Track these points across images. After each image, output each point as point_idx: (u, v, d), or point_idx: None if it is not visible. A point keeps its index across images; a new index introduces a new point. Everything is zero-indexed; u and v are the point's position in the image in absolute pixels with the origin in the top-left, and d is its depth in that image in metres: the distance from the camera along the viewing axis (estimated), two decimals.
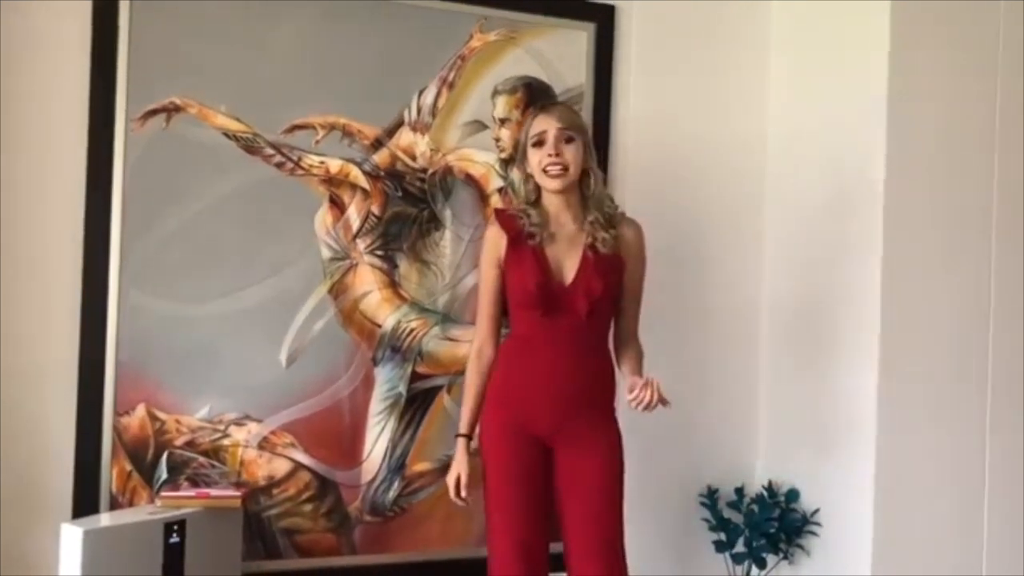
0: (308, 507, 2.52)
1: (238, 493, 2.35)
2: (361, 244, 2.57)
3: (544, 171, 2.24)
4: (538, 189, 2.31)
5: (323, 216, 2.54)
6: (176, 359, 2.41)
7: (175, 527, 2.20)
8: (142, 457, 2.39)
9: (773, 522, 2.73)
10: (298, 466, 2.51)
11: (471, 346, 2.36)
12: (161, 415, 2.40)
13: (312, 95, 2.52)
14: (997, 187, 2.69)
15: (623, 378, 2.29)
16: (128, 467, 2.38)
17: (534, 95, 2.70)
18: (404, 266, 2.61)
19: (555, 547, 2.24)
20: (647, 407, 2.09)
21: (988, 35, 2.68)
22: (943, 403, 2.64)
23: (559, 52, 2.74)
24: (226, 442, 2.45)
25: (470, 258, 2.63)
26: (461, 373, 2.48)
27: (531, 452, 2.23)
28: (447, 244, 2.65)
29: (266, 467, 2.49)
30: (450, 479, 2.31)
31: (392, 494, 2.60)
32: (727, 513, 2.82)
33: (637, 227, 2.35)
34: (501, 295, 2.32)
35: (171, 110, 2.40)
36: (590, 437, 2.23)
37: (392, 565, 2.59)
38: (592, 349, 2.27)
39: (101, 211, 2.35)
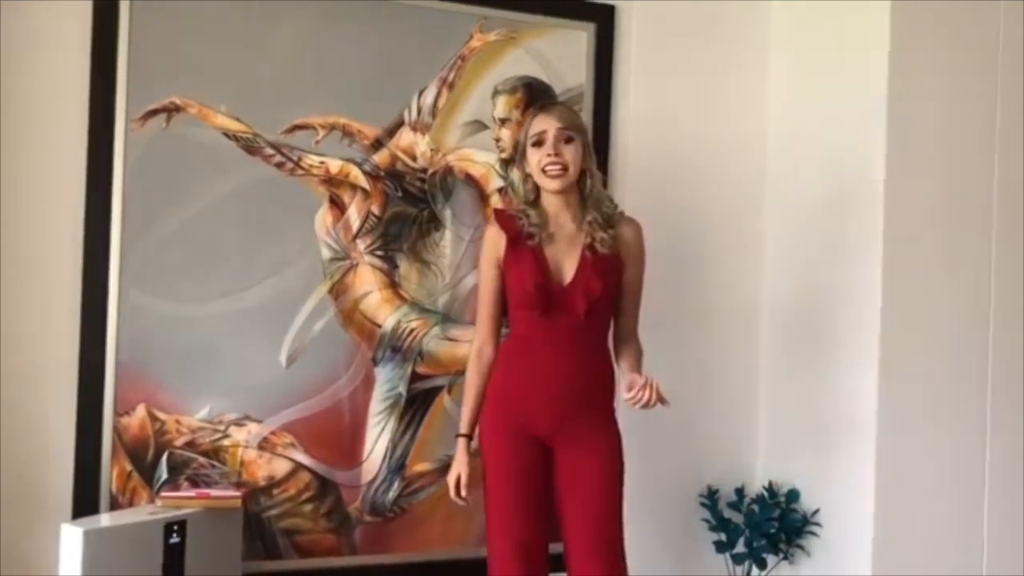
0: (308, 507, 2.52)
1: (238, 493, 2.35)
2: (361, 244, 2.57)
3: (543, 171, 2.24)
4: (537, 189, 2.31)
5: (323, 216, 2.54)
6: (176, 359, 2.41)
7: (175, 527, 2.20)
8: (142, 457, 2.39)
9: (773, 522, 2.73)
10: (298, 466, 2.51)
11: (471, 346, 2.36)
12: (161, 415, 2.40)
13: (312, 95, 2.52)
14: (997, 187, 2.69)
15: (622, 376, 2.29)
16: (128, 467, 2.38)
17: (534, 95, 2.70)
18: (404, 266, 2.61)
19: (555, 547, 2.24)
20: (645, 406, 2.09)
21: (988, 35, 2.68)
22: (943, 403, 2.63)
23: (559, 52, 2.74)
24: (226, 442, 2.45)
25: (470, 258, 2.63)
26: (461, 373, 2.48)
27: (531, 452, 2.23)
28: (447, 244, 2.65)
29: (266, 467, 2.49)
30: (450, 479, 2.31)
31: (392, 494, 2.60)
32: (727, 513, 2.82)
33: (636, 226, 2.35)
34: (501, 295, 2.32)
35: (171, 110, 2.40)
36: (590, 437, 2.23)
37: (392, 565, 2.59)
38: (591, 349, 2.27)
39: (101, 211, 2.35)
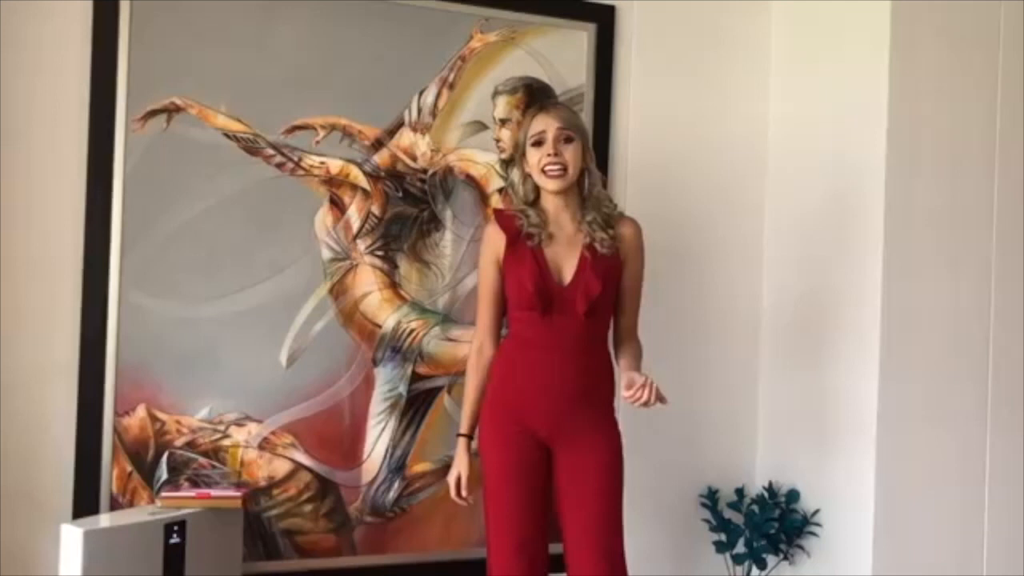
0: (308, 508, 2.52)
1: (238, 494, 2.35)
2: (361, 244, 2.57)
3: (543, 171, 2.24)
4: (537, 189, 2.31)
5: (323, 216, 2.54)
6: (176, 359, 2.41)
7: (175, 528, 2.20)
8: (142, 457, 2.39)
9: (773, 523, 2.73)
10: (298, 467, 2.51)
11: (471, 346, 2.36)
12: (161, 415, 2.40)
13: (312, 95, 2.52)
14: (997, 187, 2.69)
15: (621, 375, 2.29)
16: (128, 467, 2.38)
17: (534, 95, 2.69)
18: (404, 266, 2.61)
19: (555, 547, 2.24)
20: (644, 405, 2.09)
21: (988, 35, 2.68)
22: (943, 403, 2.64)
23: (559, 53, 2.74)
24: (226, 443, 2.45)
25: (470, 258, 2.63)
26: (461, 373, 2.49)
27: (530, 452, 2.23)
28: (447, 244, 2.65)
29: (266, 468, 2.49)
30: (451, 479, 2.32)
31: (392, 495, 2.60)
32: (727, 514, 2.82)
33: (636, 226, 2.35)
34: (500, 295, 2.32)
35: (171, 110, 2.40)
36: (590, 437, 2.23)
37: (392, 566, 2.59)
38: (591, 349, 2.27)
39: (101, 211, 2.35)
